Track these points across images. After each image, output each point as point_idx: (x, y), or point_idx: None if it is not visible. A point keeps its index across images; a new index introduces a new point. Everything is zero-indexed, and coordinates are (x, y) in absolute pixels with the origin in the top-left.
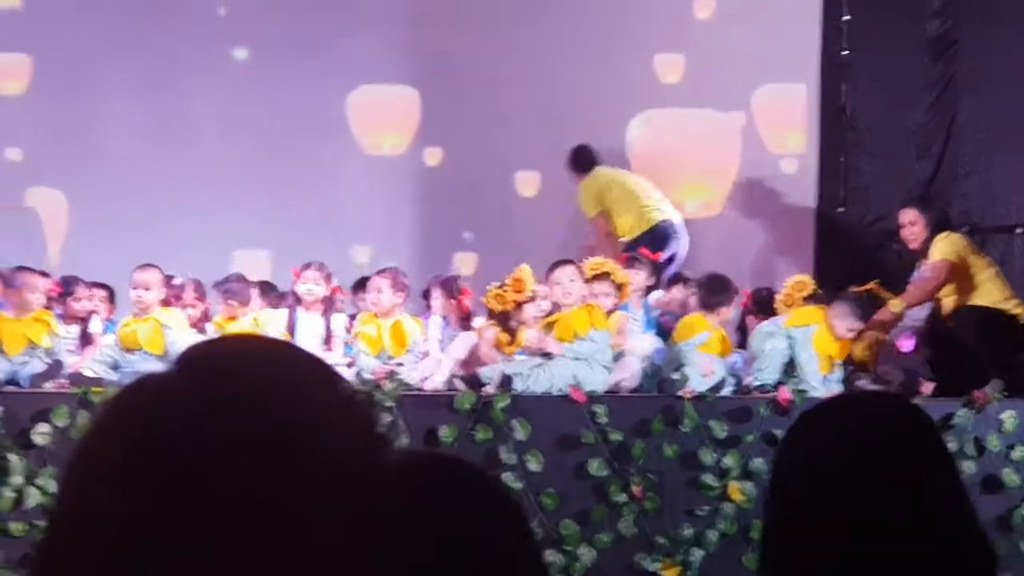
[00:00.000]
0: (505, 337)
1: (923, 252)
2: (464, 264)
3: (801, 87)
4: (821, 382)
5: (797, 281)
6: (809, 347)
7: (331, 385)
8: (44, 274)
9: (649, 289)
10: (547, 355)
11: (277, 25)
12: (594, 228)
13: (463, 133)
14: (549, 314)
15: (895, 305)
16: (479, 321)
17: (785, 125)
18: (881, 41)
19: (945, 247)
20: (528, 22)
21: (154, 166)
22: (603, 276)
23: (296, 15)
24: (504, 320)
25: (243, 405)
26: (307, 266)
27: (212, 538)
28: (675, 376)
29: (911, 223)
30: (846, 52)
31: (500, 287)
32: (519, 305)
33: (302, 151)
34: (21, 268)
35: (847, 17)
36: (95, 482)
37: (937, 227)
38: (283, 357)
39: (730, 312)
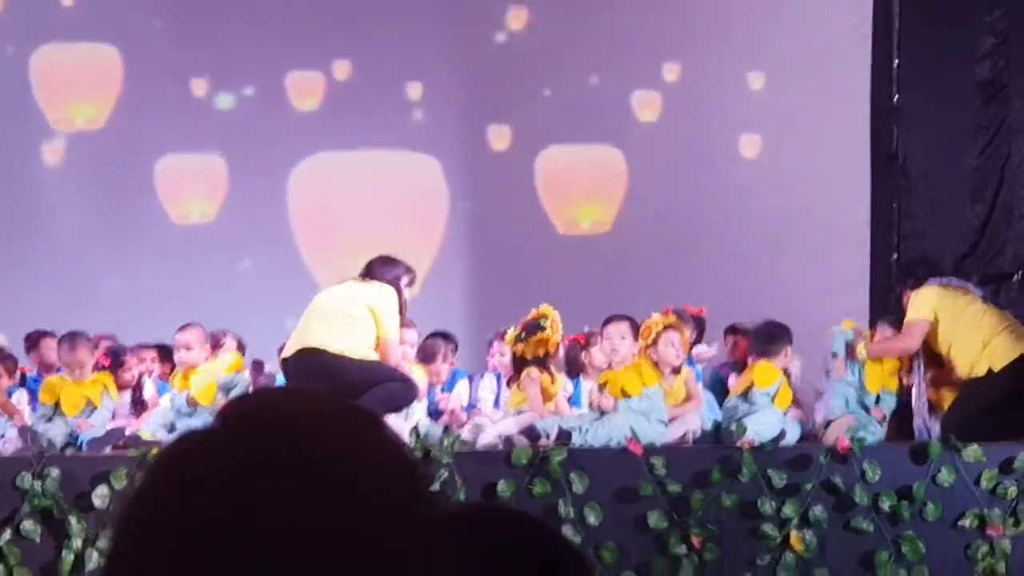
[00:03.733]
0: (547, 379)
1: None
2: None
3: None
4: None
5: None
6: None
7: (375, 438)
8: (106, 337)
9: (692, 345)
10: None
11: None
12: None
13: None
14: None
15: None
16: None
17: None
18: (931, 86)
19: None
20: None
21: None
22: (672, 328)
23: None
24: (543, 363)
25: (279, 458)
26: None
27: None
28: (732, 427)
29: None
30: (896, 97)
31: (523, 332)
32: (557, 347)
33: None
34: (72, 333)
35: (896, 62)
36: (137, 539)
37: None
38: (324, 409)
39: (789, 357)
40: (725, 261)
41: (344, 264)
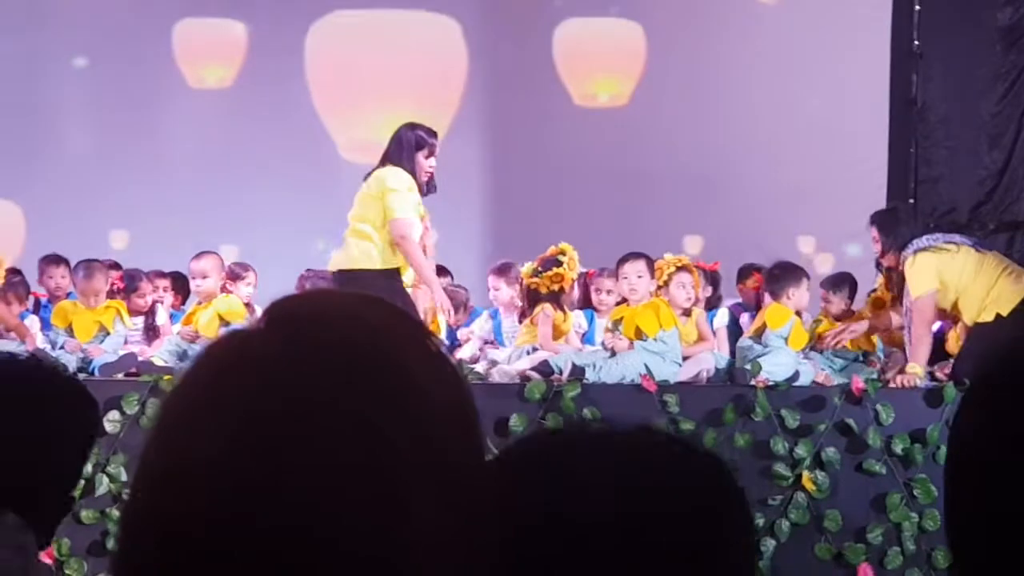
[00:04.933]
0: (560, 317)
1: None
2: None
3: None
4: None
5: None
6: None
7: (419, 340)
8: (115, 265)
9: (708, 301)
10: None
11: None
12: None
13: None
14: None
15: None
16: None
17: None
18: (952, 31)
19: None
20: None
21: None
22: (684, 269)
23: None
24: (556, 299)
25: (325, 357)
26: None
27: (294, 490)
28: (747, 367)
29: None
30: (917, 43)
31: (540, 266)
32: (572, 285)
33: None
34: (89, 261)
35: (918, 7)
36: (179, 432)
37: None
38: (370, 311)
39: (799, 297)
40: (740, 167)
41: (362, 125)
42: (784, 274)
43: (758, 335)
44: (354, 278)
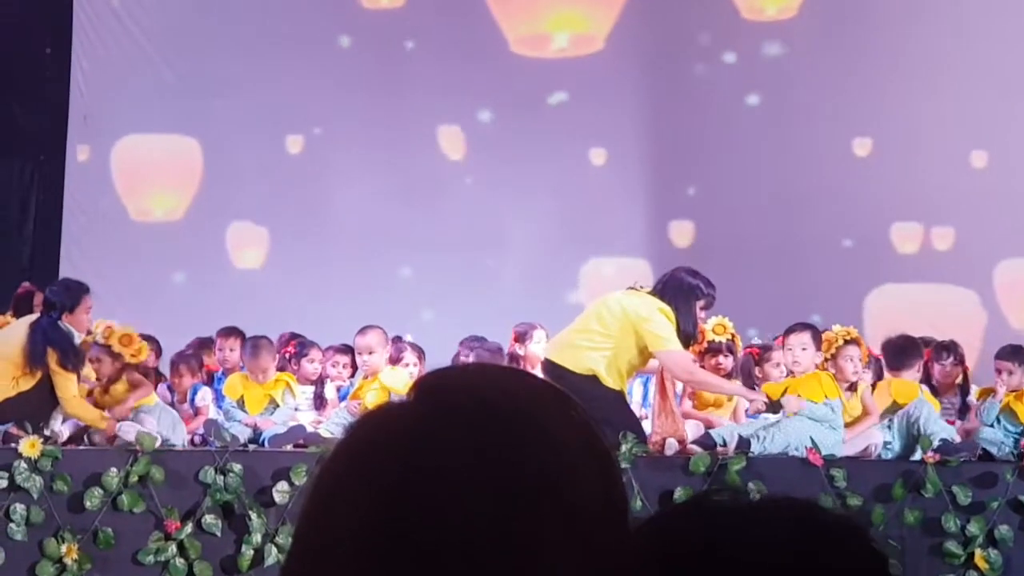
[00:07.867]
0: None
1: None
2: None
3: None
4: None
5: None
6: None
7: (568, 417)
8: (294, 335)
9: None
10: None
11: None
12: None
13: None
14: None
15: None
16: None
17: None
18: None
19: None
20: None
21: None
22: (853, 342)
23: None
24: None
25: (465, 431)
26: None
27: (442, 565)
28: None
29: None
30: None
31: (705, 349)
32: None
33: None
34: (256, 339)
35: None
36: (326, 505)
37: None
38: (519, 387)
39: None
40: None
41: (533, 21)
42: (908, 348)
43: (892, 413)
44: (561, 376)
